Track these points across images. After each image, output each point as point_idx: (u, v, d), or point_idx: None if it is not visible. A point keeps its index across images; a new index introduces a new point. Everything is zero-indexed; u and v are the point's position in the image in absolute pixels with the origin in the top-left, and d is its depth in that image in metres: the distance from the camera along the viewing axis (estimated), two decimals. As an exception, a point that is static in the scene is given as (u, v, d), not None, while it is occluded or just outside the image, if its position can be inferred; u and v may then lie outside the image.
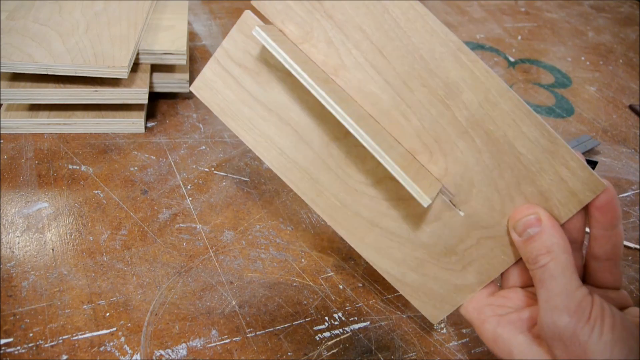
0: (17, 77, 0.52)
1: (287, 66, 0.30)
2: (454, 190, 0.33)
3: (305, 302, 0.41)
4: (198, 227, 0.46)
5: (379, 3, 0.31)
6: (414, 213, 0.34)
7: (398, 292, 0.38)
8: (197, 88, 0.36)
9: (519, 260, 0.33)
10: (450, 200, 0.33)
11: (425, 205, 0.30)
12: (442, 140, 0.32)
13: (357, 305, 0.42)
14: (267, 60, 0.34)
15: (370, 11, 0.31)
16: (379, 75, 0.32)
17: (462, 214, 0.33)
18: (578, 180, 0.29)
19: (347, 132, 0.34)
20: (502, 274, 0.34)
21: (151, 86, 0.58)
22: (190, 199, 0.49)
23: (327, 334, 0.39)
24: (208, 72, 0.36)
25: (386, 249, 0.35)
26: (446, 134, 0.32)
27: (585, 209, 0.30)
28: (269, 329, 0.39)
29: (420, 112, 0.32)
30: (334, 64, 0.32)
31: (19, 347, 0.35)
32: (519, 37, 0.94)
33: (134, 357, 0.36)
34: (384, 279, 0.38)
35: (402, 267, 0.36)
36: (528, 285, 0.33)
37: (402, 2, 0.30)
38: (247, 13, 0.35)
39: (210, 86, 0.35)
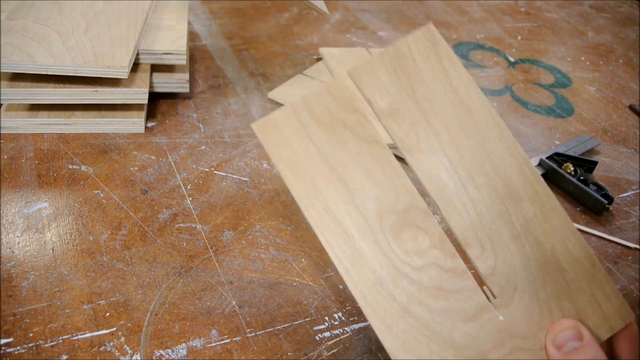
0: (17, 77, 0.52)
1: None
2: (497, 292, 0.32)
3: (305, 302, 0.41)
4: (198, 227, 0.46)
5: (466, 107, 0.34)
6: (453, 308, 0.33)
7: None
8: (261, 128, 0.34)
9: None
10: (491, 302, 0.33)
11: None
12: (495, 240, 0.33)
13: (357, 305, 0.42)
14: (344, 122, 0.34)
15: (456, 110, 0.34)
16: (450, 165, 0.34)
17: (501, 318, 0.32)
18: (612, 306, 0.31)
19: (406, 208, 0.33)
20: None
21: (151, 86, 0.58)
22: (190, 199, 0.49)
23: (327, 334, 0.39)
24: (279, 116, 0.34)
25: (413, 342, 0.33)
26: (500, 234, 0.33)
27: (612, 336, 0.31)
28: (269, 329, 0.39)
29: (480, 208, 0.33)
30: (411, 144, 0.34)
31: (19, 347, 0.35)
32: (519, 37, 0.94)
33: (134, 357, 0.36)
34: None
35: None
36: None
37: (485, 112, 0.34)
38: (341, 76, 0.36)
39: (275, 129, 0.34)
